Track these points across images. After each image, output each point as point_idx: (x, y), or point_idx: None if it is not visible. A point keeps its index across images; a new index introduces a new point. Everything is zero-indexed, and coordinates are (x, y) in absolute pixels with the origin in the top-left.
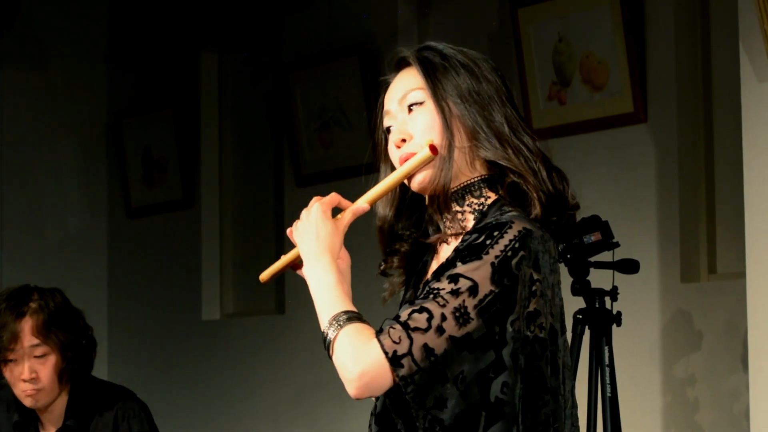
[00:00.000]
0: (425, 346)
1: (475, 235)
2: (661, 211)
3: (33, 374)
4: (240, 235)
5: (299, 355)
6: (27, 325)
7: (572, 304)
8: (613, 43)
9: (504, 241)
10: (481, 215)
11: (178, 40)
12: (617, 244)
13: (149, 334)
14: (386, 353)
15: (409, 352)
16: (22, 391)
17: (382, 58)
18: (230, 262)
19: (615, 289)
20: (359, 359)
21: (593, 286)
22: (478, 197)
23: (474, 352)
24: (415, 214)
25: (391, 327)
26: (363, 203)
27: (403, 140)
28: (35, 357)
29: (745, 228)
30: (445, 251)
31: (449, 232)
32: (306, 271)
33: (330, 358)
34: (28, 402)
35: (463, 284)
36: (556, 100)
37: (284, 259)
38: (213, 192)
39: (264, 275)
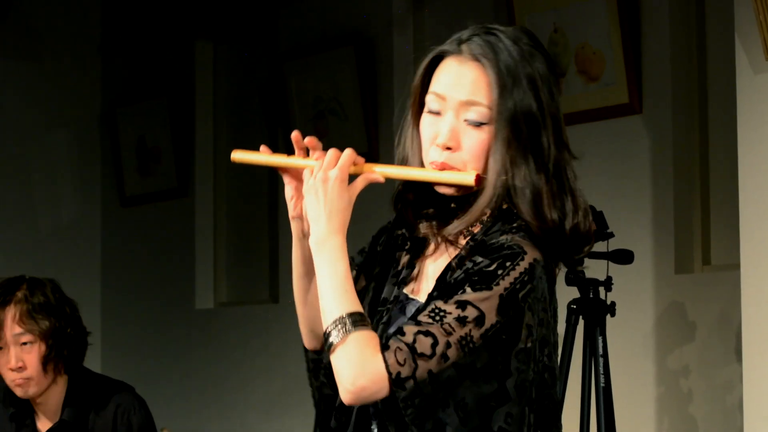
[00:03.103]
0: (429, 372)
1: (487, 261)
2: (656, 202)
3: (19, 363)
4: (234, 225)
5: (293, 344)
6: (9, 314)
7: (566, 294)
8: (609, 34)
9: (515, 274)
10: (489, 225)
11: (173, 29)
12: (612, 235)
13: (143, 323)
14: (390, 373)
15: (413, 376)
16: (11, 380)
17: (377, 47)
18: (224, 252)
19: (609, 279)
20: (363, 373)
21: (587, 276)
22: (491, 207)
23: (477, 380)
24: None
25: (398, 348)
26: (379, 175)
27: (449, 148)
28: (21, 345)
29: (739, 219)
30: (441, 252)
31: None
32: (314, 247)
33: (327, 352)
34: (18, 392)
35: (471, 313)
36: None
37: (271, 160)
38: (207, 181)
39: (237, 156)
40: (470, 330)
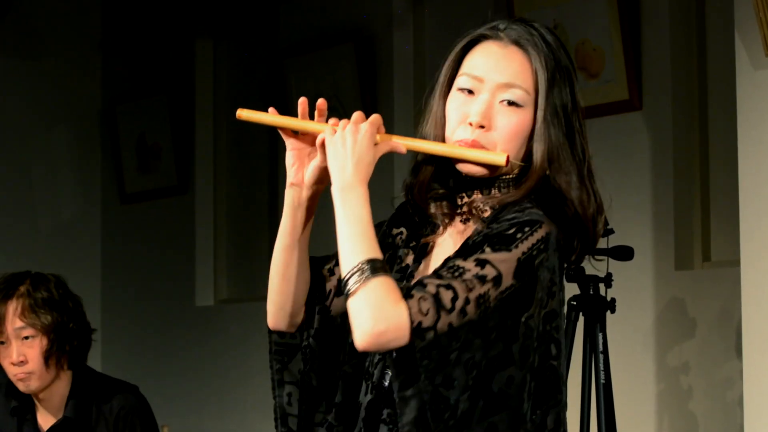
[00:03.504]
0: (449, 325)
1: (506, 225)
2: (656, 199)
3: (21, 357)
4: (234, 222)
5: None
6: (11, 308)
7: (566, 290)
8: (609, 31)
9: (533, 239)
10: (499, 209)
11: (173, 26)
12: (612, 231)
13: (143, 320)
14: (412, 321)
15: (434, 327)
16: (14, 375)
17: (377, 45)
18: (224, 248)
19: (609, 275)
20: (384, 317)
21: (587, 272)
22: (504, 194)
23: (486, 341)
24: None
25: (422, 297)
26: (402, 146)
27: (482, 126)
28: (23, 339)
29: (739, 216)
30: (460, 232)
31: (473, 221)
32: (338, 194)
33: (344, 298)
34: (20, 386)
35: (490, 272)
36: None
37: (276, 119)
38: (207, 178)
39: (244, 114)
40: (488, 289)
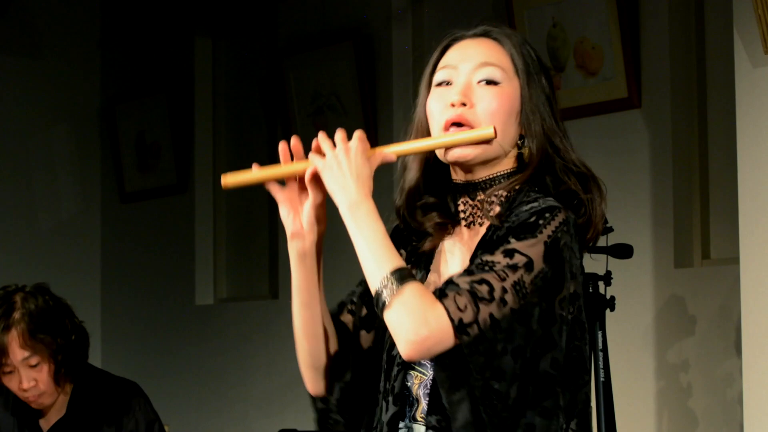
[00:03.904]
0: (491, 316)
1: (525, 215)
2: (655, 197)
3: (32, 383)
4: (234, 221)
5: (293, 340)
6: (13, 340)
7: None
8: (608, 29)
9: (555, 223)
10: (508, 203)
11: (172, 25)
12: (611, 229)
13: (143, 319)
14: (452, 320)
15: (476, 321)
16: (25, 398)
17: (376, 43)
18: (224, 247)
19: (609, 273)
20: (424, 322)
21: (587, 270)
22: (506, 187)
23: (528, 326)
24: (433, 181)
25: (457, 294)
26: (391, 154)
27: (463, 104)
28: (30, 367)
29: (738, 214)
30: (467, 237)
31: (485, 216)
32: (347, 213)
33: (380, 314)
34: (34, 407)
35: (520, 260)
36: None
37: (262, 173)
38: (207, 177)
39: (229, 180)
40: (522, 275)
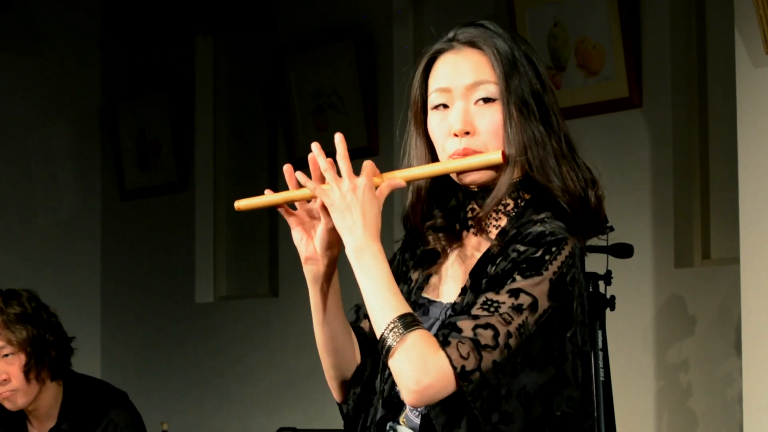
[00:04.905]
0: (494, 362)
1: (532, 249)
2: (656, 196)
3: (3, 375)
4: (234, 218)
5: (293, 338)
6: None
7: None
8: (609, 28)
9: (561, 258)
10: (515, 217)
11: (173, 23)
12: (611, 229)
13: (142, 317)
14: (455, 368)
15: (478, 368)
16: None
17: (376, 41)
18: (224, 245)
19: (609, 273)
20: (426, 371)
21: (587, 270)
22: (515, 199)
23: (535, 367)
24: (440, 197)
25: (460, 342)
26: (400, 179)
27: (467, 133)
28: (3, 357)
29: (739, 213)
30: (472, 244)
31: (482, 235)
32: (353, 256)
33: (384, 360)
34: (7, 405)
35: (525, 300)
36: None
37: (273, 198)
38: (207, 175)
39: (242, 204)
40: (527, 317)
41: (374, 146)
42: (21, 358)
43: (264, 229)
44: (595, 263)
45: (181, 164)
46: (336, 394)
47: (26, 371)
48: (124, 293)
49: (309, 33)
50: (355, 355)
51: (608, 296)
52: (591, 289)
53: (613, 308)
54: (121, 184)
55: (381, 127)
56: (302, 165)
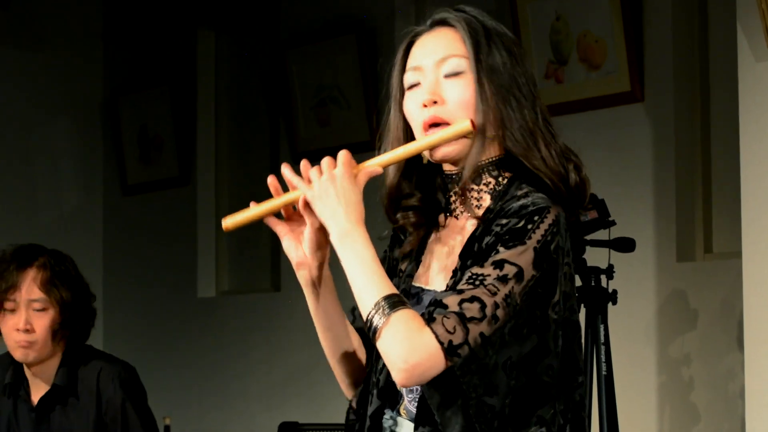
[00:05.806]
0: (482, 335)
1: (514, 220)
2: (658, 190)
3: (28, 325)
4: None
5: (294, 333)
6: (29, 277)
7: None
8: (611, 22)
9: (544, 226)
10: (499, 195)
11: (175, 18)
12: (613, 223)
13: (145, 311)
14: (441, 343)
15: (466, 342)
16: (15, 341)
17: (379, 36)
18: (226, 240)
19: (611, 267)
20: (413, 349)
21: (589, 264)
22: (495, 177)
23: (520, 337)
24: (417, 179)
25: (445, 317)
26: (376, 166)
27: (435, 102)
28: (34, 310)
29: (741, 208)
30: (457, 228)
31: (467, 210)
32: (337, 242)
33: (372, 341)
34: (18, 354)
35: (510, 270)
36: (552, 79)
37: (259, 210)
38: (209, 170)
39: (229, 223)
40: (512, 287)
41: (376, 140)
42: (52, 316)
43: (266, 224)
44: (597, 257)
45: (183, 159)
46: (346, 392)
47: (54, 330)
48: (126, 288)
49: (311, 28)
50: (362, 355)
51: (610, 290)
52: (593, 284)
53: (615, 302)
54: (123, 179)
55: (383, 121)
56: (306, 159)
